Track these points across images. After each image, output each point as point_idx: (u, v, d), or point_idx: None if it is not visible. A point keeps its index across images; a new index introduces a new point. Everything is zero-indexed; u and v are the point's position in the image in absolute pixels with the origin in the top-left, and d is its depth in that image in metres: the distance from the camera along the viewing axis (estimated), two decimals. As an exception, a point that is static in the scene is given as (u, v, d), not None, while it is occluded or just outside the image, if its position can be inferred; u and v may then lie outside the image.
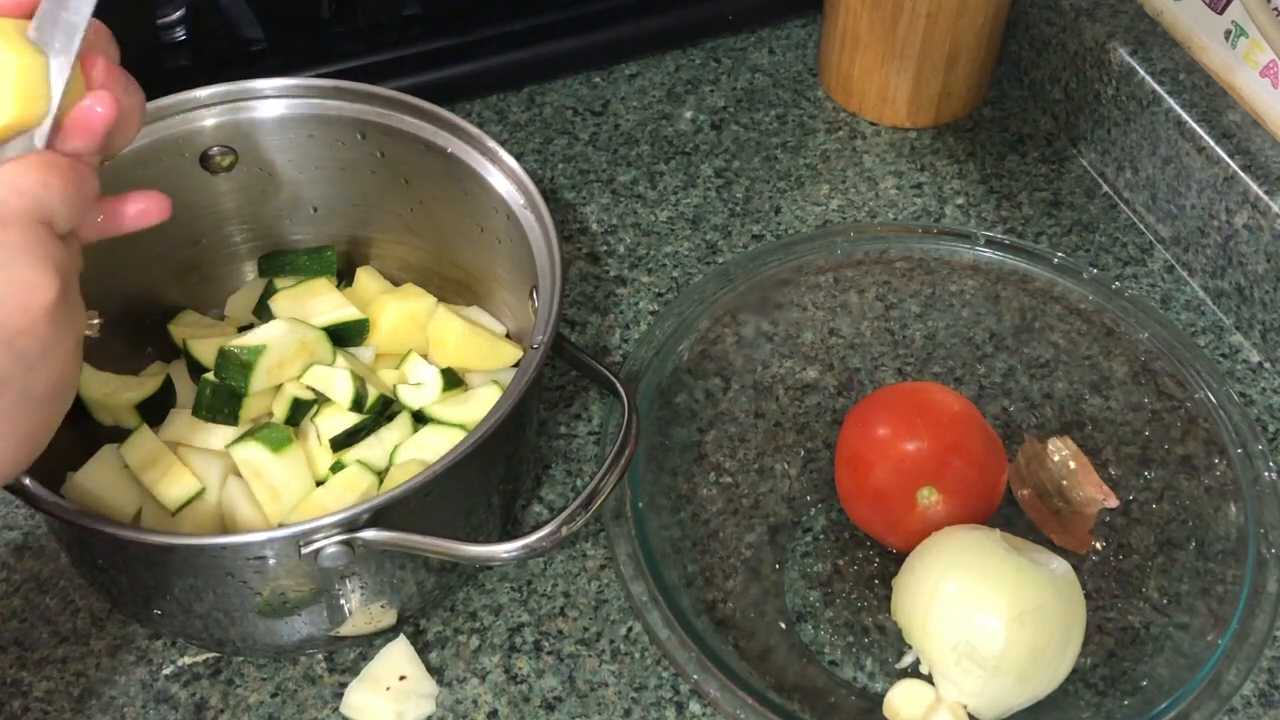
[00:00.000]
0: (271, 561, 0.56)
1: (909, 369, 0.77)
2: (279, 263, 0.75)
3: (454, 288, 0.76)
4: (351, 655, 0.65)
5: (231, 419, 0.67)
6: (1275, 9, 0.74)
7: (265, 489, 0.65)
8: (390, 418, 0.69)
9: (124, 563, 0.59)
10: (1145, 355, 0.72)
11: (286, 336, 0.68)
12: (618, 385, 0.64)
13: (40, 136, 0.46)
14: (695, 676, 0.60)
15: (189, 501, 0.65)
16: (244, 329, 0.71)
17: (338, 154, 0.72)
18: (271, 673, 0.65)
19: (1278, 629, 0.62)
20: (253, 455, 0.65)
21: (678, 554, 0.67)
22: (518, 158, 0.68)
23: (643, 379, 0.70)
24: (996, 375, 0.76)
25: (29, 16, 0.46)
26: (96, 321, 0.58)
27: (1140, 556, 0.68)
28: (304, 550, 0.55)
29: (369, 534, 0.55)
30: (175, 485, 0.65)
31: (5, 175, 0.44)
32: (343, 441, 0.67)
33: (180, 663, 0.65)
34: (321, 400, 0.69)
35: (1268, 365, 0.79)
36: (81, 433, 0.68)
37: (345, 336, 0.72)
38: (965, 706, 0.62)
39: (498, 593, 0.68)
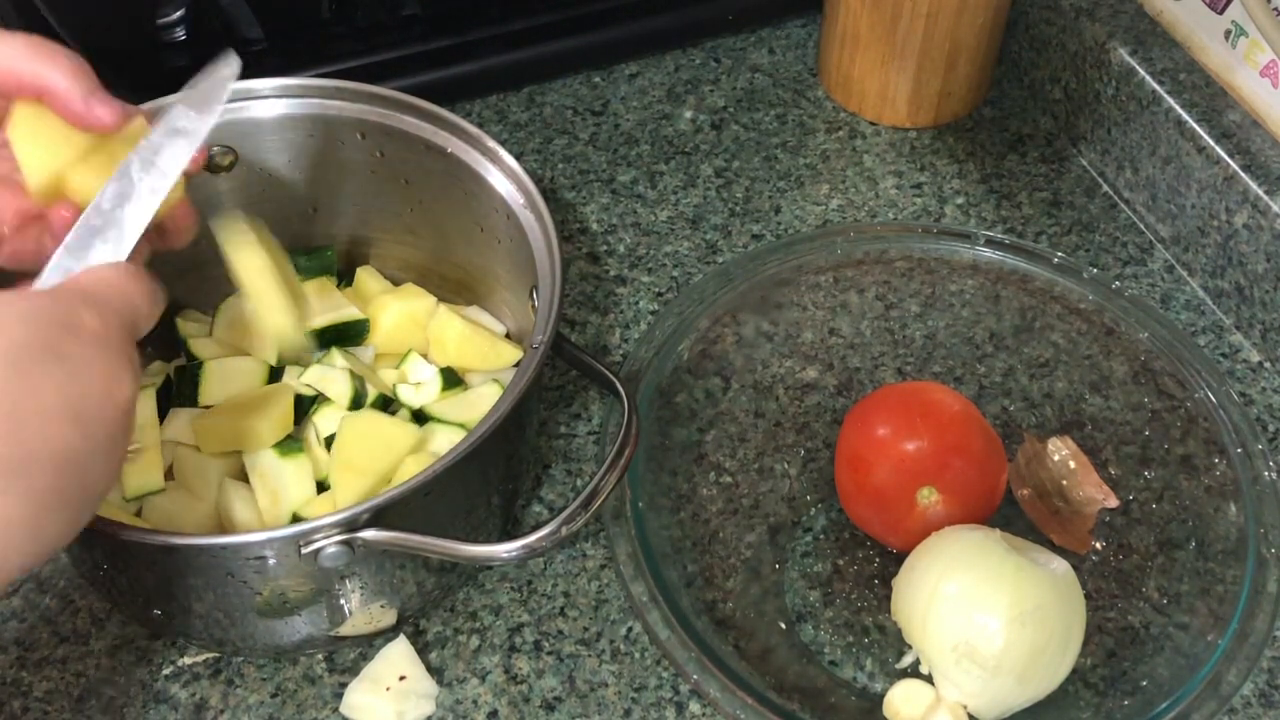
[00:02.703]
0: (271, 561, 0.56)
1: (909, 369, 0.77)
2: (279, 262, 0.75)
3: (454, 288, 0.76)
4: (351, 655, 0.65)
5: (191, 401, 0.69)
6: (1275, 9, 0.74)
7: (267, 493, 0.65)
8: (390, 417, 0.69)
9: (124, 563, 0.59)
10: (1145, 355, 0.72)
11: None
12: (618, 385, 0.64)
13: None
14: (695, 676, 0.59)
15: (146, 496, 0.66)
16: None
17: (338, 154, 0.72)
18: (271, 673, 0.65)
19: (1278, 629, 0.62)
20: (260, 459, 0.65)
21: (678, 554, 0.67)
22: (518, 158, 0.68)
23: (643, 379, 0.70)
24: (996, 375, 0.76)
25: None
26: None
27: (1140, 556, 0.68)
28: (304, 550, 0.55)
29: (369, 534, 0.55)
30: (140, 474, 0.65)
31: (115, 277, 0.49)
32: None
33: (180, 663, 0.65)
34: (321, 399, 0.69)
35: (1268, 365, 0.79)
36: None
37: (345, 336, 0.72)
38: (965, 706, 0.62)
39: (498, 593, 0.68)
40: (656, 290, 0.82)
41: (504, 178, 0.68)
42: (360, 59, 0.88)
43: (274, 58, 0.87)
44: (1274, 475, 0.66)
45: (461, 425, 0.68)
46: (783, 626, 0.67)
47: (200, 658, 0.65)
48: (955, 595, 0.61)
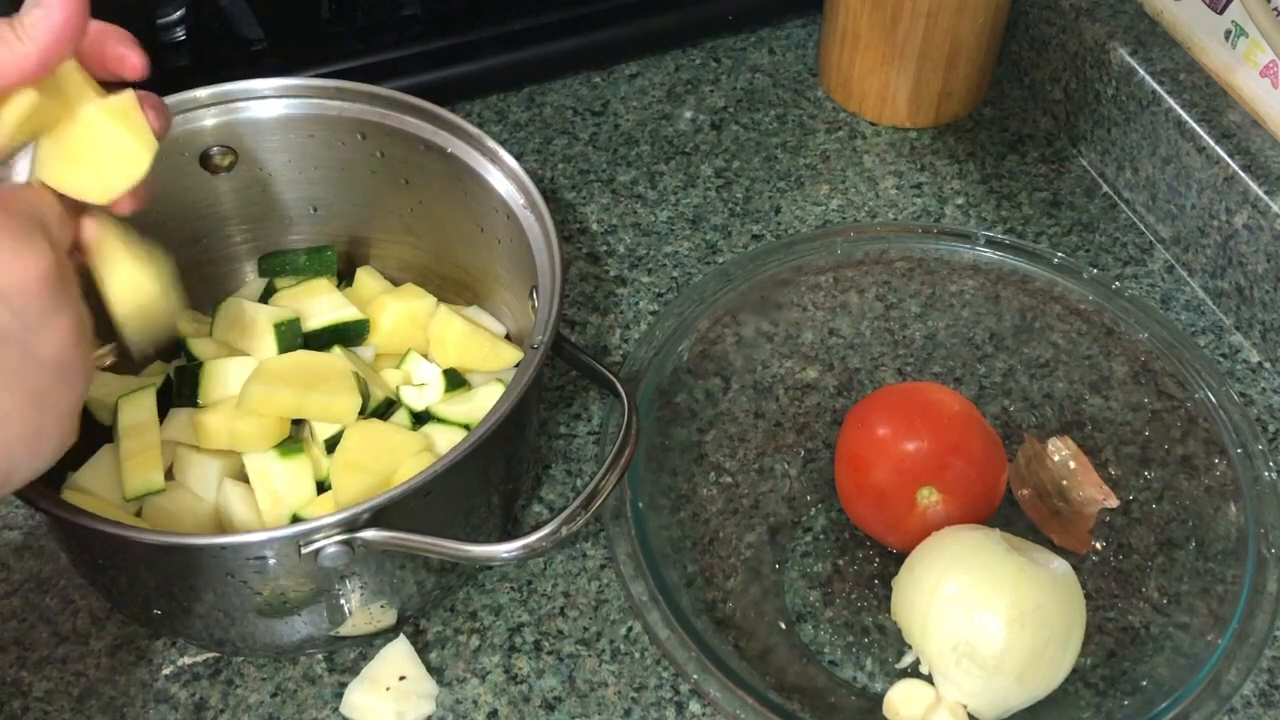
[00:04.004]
0: (271, 561, 0.56)
1: (909, 369, 0.77)
2: (279, 263, 0.75)
3: (454, 288, 0.76)
4: (351, 655, 0.65)
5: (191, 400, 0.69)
6: (1275, 9, 0.74)
7: (268, 493, 0.65)
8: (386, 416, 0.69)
9: (124, 563, 0.59)
10: (1145, 355, 0.72)
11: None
12: (618, 385, 0.64)
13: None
14: (695, 676, 0.59)
15: (147, 495, 0.66)
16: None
17: (338, 154, 0.72)
18: (271, 673, 0.65)
19: (1278, 629, 0.62)
20: (260, 459, 0.65)
21: (678, 554, 0.67)
22: (518, 158, 0.68)
23: (643, 379, 0.70)
24: (996, 375, 0.76)
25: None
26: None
27: (1140, 556, 0.68)
28: (304, 550, 0.55)
29: (369, 534, 0.55)
30: (140, 474, 0.65)
31: (18, 189, 0.50)
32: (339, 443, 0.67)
33: (180, 663, 0.65)
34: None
35: (1268, 365, 0.79)
36: (82, 433, 0.68)
37: (345, 337, 0.72)
38: (965, 706, 0.62)
39: (498, 593, 0.68)
40: (656, 290, 0.82)
41: (504, 178, 0.68)
42: (360, 59, 0.88)
43: (274, 58, 0.87)
44: (1274, 475, 0.66)
45: (463, 425, 0.68)
46: (783, 626, 0.67)
47: (200, 658, 0.65)
48: (955, 595, 0.61)
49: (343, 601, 0.60)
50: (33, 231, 0.47)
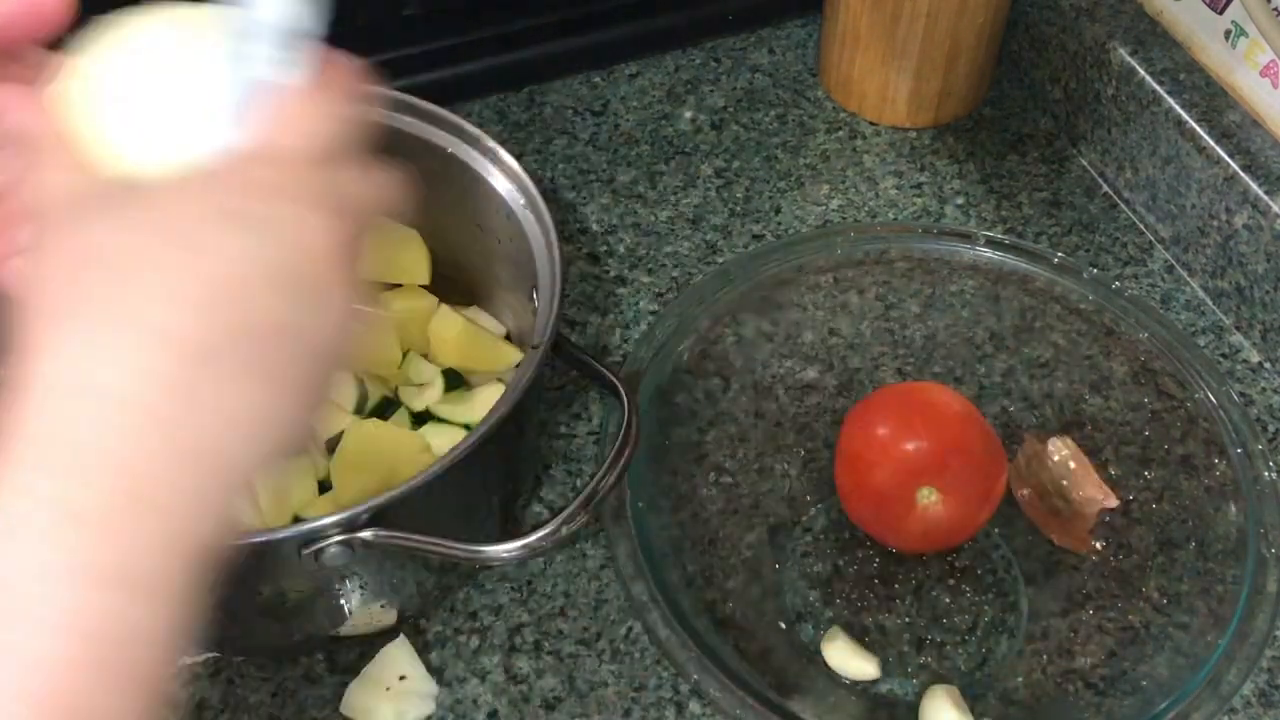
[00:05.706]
0: (272, 561, 0.56)
1: (909, 369, 0.77)
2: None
3: (454, 288, 0.75)
4: (351, 655, 0.65)
5: None
6: (1275, 9, 0.74)
7: (269, 493, 0.65)
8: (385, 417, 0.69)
9: (124, 563, 0.59)
10: (1145, 355, 0.72)
11: None
12: (618, 385, 0.64)
13: None
14: (695, 676, 0.59)
15: None
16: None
17: (338, 154, 0.72)
18: (271, 673, 0.65)
19: (1278, 629, 0.62)
20: None
21: (678, 554, 0.67)
22: (518, 158, 0.68)
23: (643, 379, 0.70)
24: (996, 375, 0.76)
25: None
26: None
27: (1140, 556, 0.68)
28: (304, 550, 0.55)
29: (369, 534, 0.55)
30: None
31: (288, 112, 0.43)
32: (338, 442, 0.67)
33: (180, 663, 0.65)
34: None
35: (1268, 365, 0.79)
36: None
37: (345, 336, 0.72)
38: None
39: (498, 593, 0.68)
40: (656, 290, 0.82)
41: (504, 178, 0.68)
42: (360, 59, 0.88)
43: (274, 58, 0.87)
44: (1274, 475, 0.66)
45: (463, 425, 0.68)
46: (782, 626, 0.67)
47: (200, 658, 0.65)
48: None
49: (343, 601, 0.60)
50: (314, 193, 0.41)
